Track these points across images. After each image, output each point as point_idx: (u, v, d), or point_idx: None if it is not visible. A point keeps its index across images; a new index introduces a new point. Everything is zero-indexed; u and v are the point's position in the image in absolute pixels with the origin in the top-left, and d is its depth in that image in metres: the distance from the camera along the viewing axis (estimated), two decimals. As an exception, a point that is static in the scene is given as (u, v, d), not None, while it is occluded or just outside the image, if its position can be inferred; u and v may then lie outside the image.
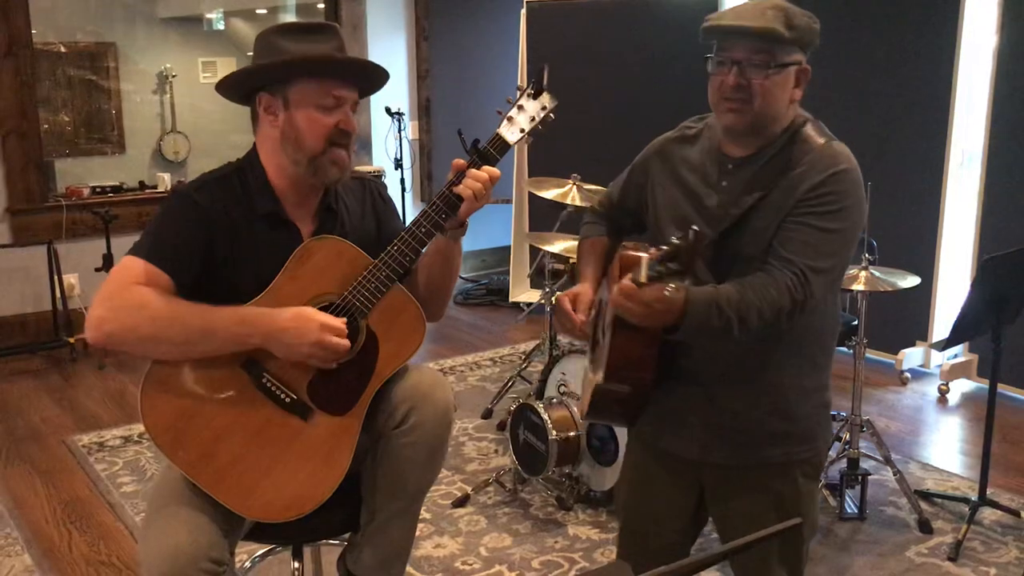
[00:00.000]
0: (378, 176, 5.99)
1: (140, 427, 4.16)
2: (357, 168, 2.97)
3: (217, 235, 1.91)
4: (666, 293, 1.70)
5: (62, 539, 3.24)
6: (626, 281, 1.71)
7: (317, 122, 1.91)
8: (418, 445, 1.97)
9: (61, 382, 4.84)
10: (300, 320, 1.86)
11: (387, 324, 1.96)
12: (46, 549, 3.17)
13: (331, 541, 2.23)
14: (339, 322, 1.88)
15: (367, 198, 2.15)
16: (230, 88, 1.99)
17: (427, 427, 1.96)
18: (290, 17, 7.34)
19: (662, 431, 2.04)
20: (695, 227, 1.61)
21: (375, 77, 2.03)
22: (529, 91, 2.02)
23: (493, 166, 1.98)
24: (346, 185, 2.10)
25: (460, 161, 1.98)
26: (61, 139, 6.51)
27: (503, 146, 2.00)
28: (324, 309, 1.93)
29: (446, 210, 1.96)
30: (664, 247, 1.66)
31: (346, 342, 1.89)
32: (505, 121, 2.01)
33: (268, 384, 1.90)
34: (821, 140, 1.91)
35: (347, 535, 2.14)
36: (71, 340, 5.15)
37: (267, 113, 1.95)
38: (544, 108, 2.02)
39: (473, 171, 1.95)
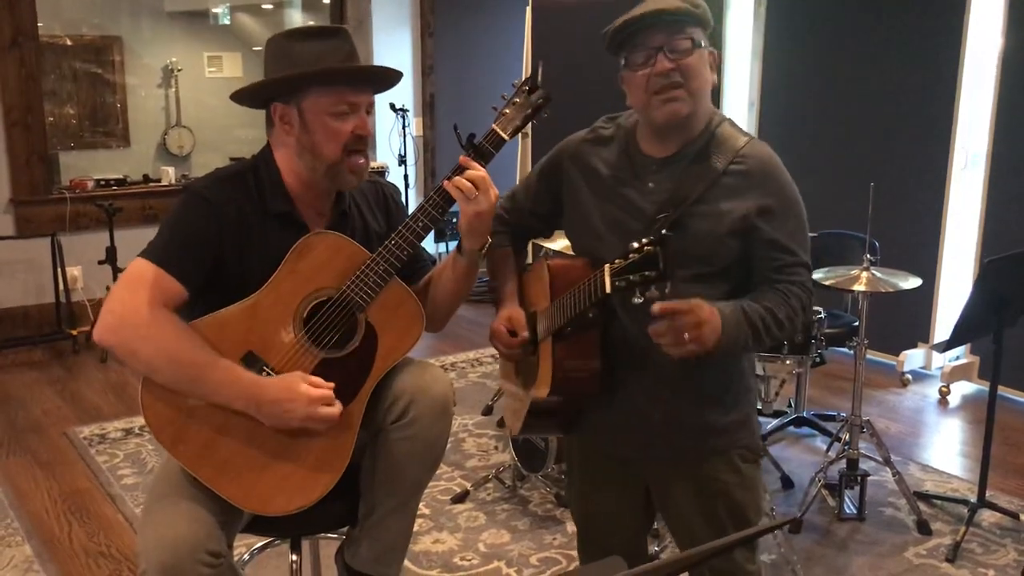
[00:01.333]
0: (381, 173, 6.01)
1: (141, 420, 4.10)
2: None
3: (228, 232, 1.92)
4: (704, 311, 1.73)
5: (62, 530, 3.25)
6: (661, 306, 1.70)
7: (333, 130, 1.91)
8: (416, 439, 1.97)
9: (63, 374, 4.85)
10: (289, 393, 1.85)
11: (386, 318, 1.97)
12: (46, 540, 3.18)
13: (329, 535, 2.24)
14: (327, 390, 1.88)
15: (381, 202, 2.16)
16: (243, 100, 2.00)
17: (425, 422, 1.96)
18: (296, 12, 7.35)
19: (604, 436, 2.06)
20: (664, 230, 1.61)
21: (389, 78, 2.03)
22: (524, 87, 2.03)
23: (488, 161, 1.98)
24: (360, 188, 2.10)
25: (466, 157, 1.98)
26: (66, 132, 6.52)
27: (499, 141, 2.00)
28: (322, 304, 1.94)
29: (442, 204, 1.96)
30: (631, 255, 1.65)
31: (336, 409, 1.89)
32: (500, 117, 2.01)
33: (268, 377, 1.91)
34: (742, 138, 1.92)
35: (345, 529, 2.14)
36: (73, 332, 5.16)
37: (282, 123, 1.96)
38: (539, 104, 2.03)
39: (469, 170, 1.95)
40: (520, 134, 2.05)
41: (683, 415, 1.96)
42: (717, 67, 1.94)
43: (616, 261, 1.68)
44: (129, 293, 1.85)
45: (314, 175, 1.96)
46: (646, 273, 1.62)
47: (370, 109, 1.98)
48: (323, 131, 1.91)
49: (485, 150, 1.98)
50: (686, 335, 1.72)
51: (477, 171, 1.93)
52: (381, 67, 2.00)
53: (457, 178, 1.92)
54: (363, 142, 1.96)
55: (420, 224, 1.96)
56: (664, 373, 1.92)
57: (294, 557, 2.11)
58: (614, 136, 2.02)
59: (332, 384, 1.90)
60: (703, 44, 1.87)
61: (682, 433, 1.97)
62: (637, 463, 2.06)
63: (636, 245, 1.64)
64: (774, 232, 1.87)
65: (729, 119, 1.97)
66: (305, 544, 2.25)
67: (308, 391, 1.86)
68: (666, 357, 1.80)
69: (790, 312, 1.87)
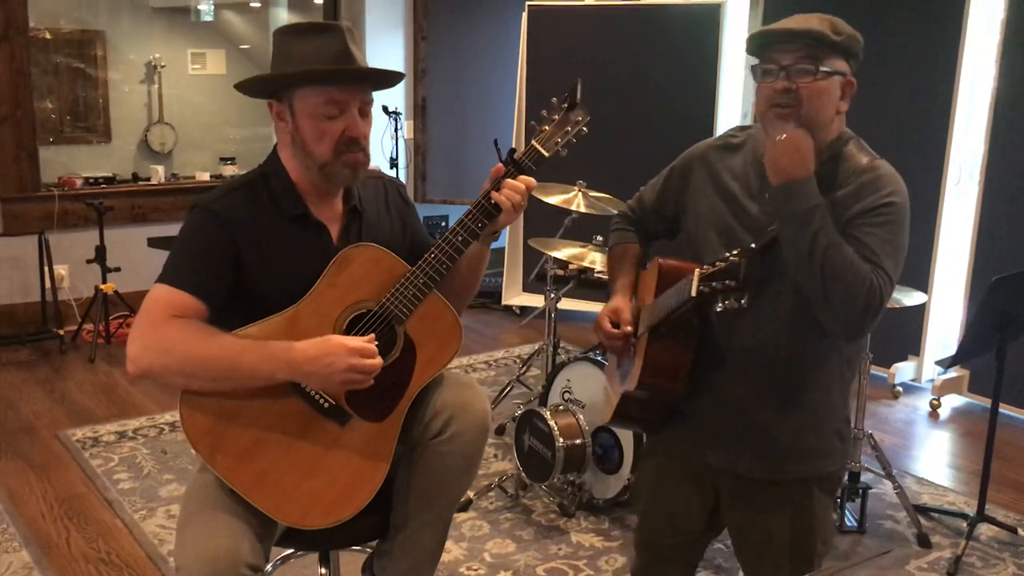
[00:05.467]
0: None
1: (135, 423, 4.13)
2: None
3: (244, 243, 1.91)
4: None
5: (60, 536, 3.20)
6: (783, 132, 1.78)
7: (322, 130, 1.90)
8: (456, 455, 1.97)
9: (51, 374, 4.77)
10: (327, 346, 1.84)
11: (424, 331, 1.96)
12: (44, 546, 3.13)
13: (354, 547, 2.22)
14: (365, 341, 1.87)
15: (389, 198, 2.16)
16: (247, 92, 2.00)
17: (466, 437, 1.97)
18: (282, 11, 7.29)
19: (689, 438, 2.06)
20: (753, 244, 1.63)
21: (382, 78, 2.01)
22: (563, 104, 2.04)
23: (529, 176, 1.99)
24: (365, 184, 2.10)
25: (500, 167, 1.98)
26: (46, 127, 6.41)
27: (539, 158, 2.01)
28: (362, 316, 1.93)
29: (482, 219, 1.96)
30: (719, 263, 1.68)
31: (378, 360, 1.87)
32: (539, 133, 2.02)
33: (306, 389, 1.89)
34: (864, 159, 1.91)
35: (372, 542, 2.13)
36: (60, 331, 5.08)
37: (279, 120, 1.96)
38: (578, 121, 2.04)
39: (510, 181, 1.95)
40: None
41: (782, 434, 1.95)
42: (853, 95, 1.92)
43: (705, 267, 1.70)
44: (146, 319, 1.86)
45: (310, 174, 1.95)
46: (727, 282, 1.64)
47: (365, 109, 1.96)
48: (312, 131, 1.91)
49: (525, 165, 1.99)
50: (784, 140, 1.80)
51: (525, 182, 1.96)
52: (370, 69, 1.98)
53: (507, 190, 1.93)
54: (355, 144, 1.93)
55: (460, 238, 1.95)
56: (762, 388, 1.93)
57: (323, 571, 2.10)
58: (743, 144, 2.04)
59: (371, 336, 1.88)
60: (835, 74, 1.86)
61: (775, 453, 1.97)
62: (717, 472, 2.04)
63: (727, 254, 1.67)
64: (864, 236, 1.83)
65: (857, 139, 1.97)
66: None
67: (345, 341, 1.84)
68: (764, 371, 1.83)
69: (858, 275, 1.78)
